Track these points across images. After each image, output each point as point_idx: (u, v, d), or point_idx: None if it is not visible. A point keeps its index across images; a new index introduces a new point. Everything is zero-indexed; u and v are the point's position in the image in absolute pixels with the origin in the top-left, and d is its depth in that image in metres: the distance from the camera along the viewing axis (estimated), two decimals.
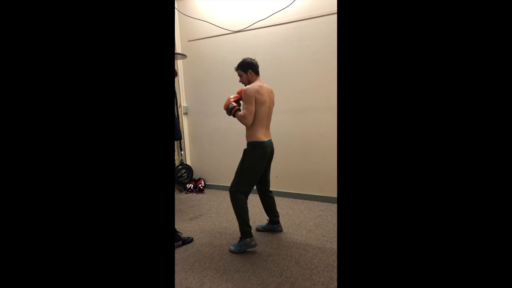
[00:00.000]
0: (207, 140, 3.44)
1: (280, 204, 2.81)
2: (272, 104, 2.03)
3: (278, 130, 2.92)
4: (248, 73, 1.96)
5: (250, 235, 1.96)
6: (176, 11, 3.26)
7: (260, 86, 1.91)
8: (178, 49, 3.31)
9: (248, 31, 2.93)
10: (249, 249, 1.98)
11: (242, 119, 1.90)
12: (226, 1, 2.99)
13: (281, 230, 2.25)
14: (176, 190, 3.36)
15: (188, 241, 2.23)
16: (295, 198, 2.95)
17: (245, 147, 2.00)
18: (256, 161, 1.95)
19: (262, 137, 1.95)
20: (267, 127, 2.03)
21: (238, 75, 2.01)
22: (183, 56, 3.01)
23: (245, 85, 1.97)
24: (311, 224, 2.36)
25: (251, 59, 1.98)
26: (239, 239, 2.00)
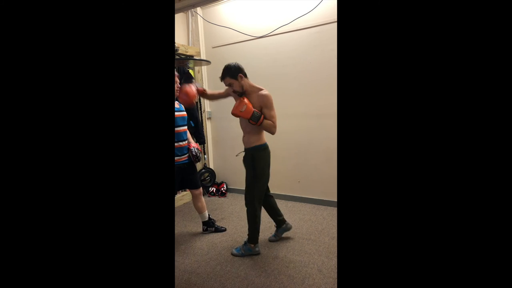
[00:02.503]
0: (230, 144, 3.48)
1: (303, 210, 2.78)
2: None
3: (301, 135, 2.89)
4: (239, 78, 1.77)
5: (255, 241, 2.00)
6: (201, 18, 3.35)
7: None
8: (202, 55, 3.39)
9: (270, 37, 2.94)
10: (253, 255, 2.01)
11: (272, 128, 1.79)
12: (249, 8, 3.03)
13: (291, 227, 2.20)
14: None
15: (220, 229, 2.41)
16: (317, 204, 2.90)
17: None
18: (267, 163, 1.95)
19: (264, 139, 1.94)
20: None
21: (227, 85, 1.81)
22: (207, 62, 3.09)
23: (238, 93, 1.81)
24: (334, 231, 2.30)
25: (234, 63, 1.79)
26: (243, 243, 2.03)
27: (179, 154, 2.13)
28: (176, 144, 2.11)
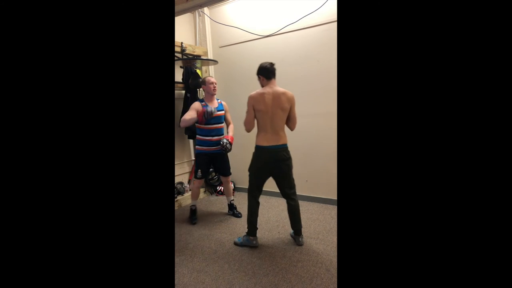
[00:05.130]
0: (237, 144, 3.48)
1: (310, 209, 2.77)
2: (278, 108, 1.93)
3: (309, 133, 2.88)
4: (260, 78, 2.03)
5: (253, 234, 2.11)
6: (208, 18, 3.37)
7: (261, 93, 1.93)
8: (210, 55, 3.41)
9: (278, 35, 2.94)
10: (251, 246, 2.12)
11: (244, 126, 2.04)
12: (256, 7, 3.03)
13: (300, 245, 2.10)
14: (207, 192, 3.45)
15: (237, 215, 2.72)
16: (325, 204, 2.89)
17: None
18: (254, 164, 2.06)
19: (262, 141, 1.99)
20: (274, 132, 1.96)
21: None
22: (215, 62, 3.11)
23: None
24: None
25: (266, 63, 1.99)
26: (244, 234, 2.17)
27: (213, 145, 2.49)
28: (210, 138, 2.48)
